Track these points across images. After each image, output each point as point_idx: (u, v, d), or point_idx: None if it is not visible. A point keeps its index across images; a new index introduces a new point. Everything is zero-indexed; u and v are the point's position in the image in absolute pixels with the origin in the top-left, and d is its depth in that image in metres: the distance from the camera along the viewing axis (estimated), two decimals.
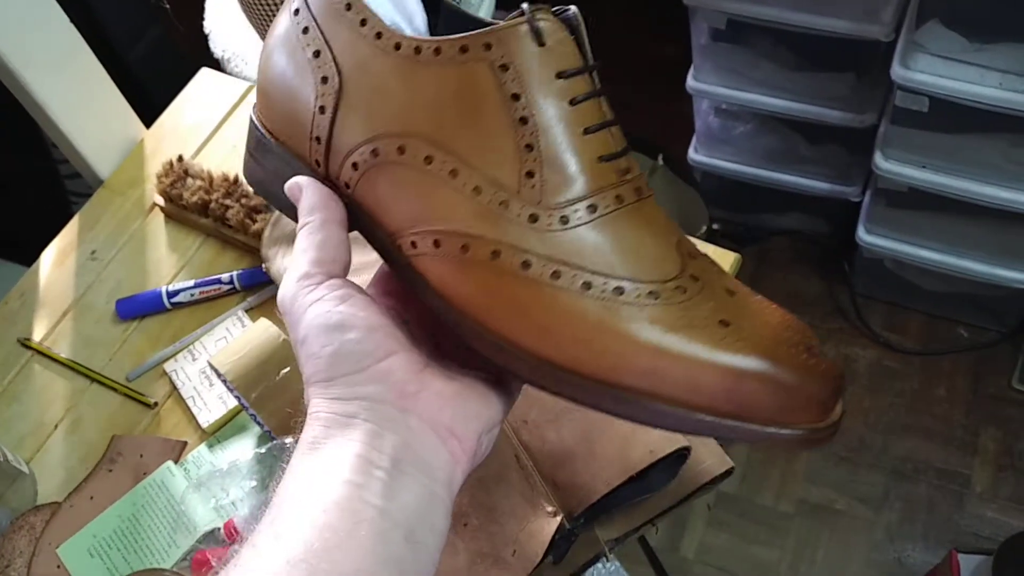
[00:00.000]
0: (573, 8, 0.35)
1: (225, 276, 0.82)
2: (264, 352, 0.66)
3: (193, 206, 0.85)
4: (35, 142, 1.25)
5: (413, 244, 0.36)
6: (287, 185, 0.39)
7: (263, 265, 0.80)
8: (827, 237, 1.60)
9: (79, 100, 0.88)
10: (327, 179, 0.39)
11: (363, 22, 0.37)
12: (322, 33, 0.38)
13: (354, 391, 0.33)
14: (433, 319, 0.37)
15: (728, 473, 0.67)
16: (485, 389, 0.36)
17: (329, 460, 0.32)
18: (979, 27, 1.05)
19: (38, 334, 0.83)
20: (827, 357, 0.33)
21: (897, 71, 1.10)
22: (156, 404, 0.77)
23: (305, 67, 0.38)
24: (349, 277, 0.37)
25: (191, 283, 0.82)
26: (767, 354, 0.31)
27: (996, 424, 1.47)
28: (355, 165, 0.37)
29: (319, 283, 0.35)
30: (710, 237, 1.40)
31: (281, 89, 0.39)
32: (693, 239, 0.37)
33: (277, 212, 0.81)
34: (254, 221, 0.82)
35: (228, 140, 0.94)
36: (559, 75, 0.34)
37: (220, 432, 0.74)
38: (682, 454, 0.64)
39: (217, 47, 1.14)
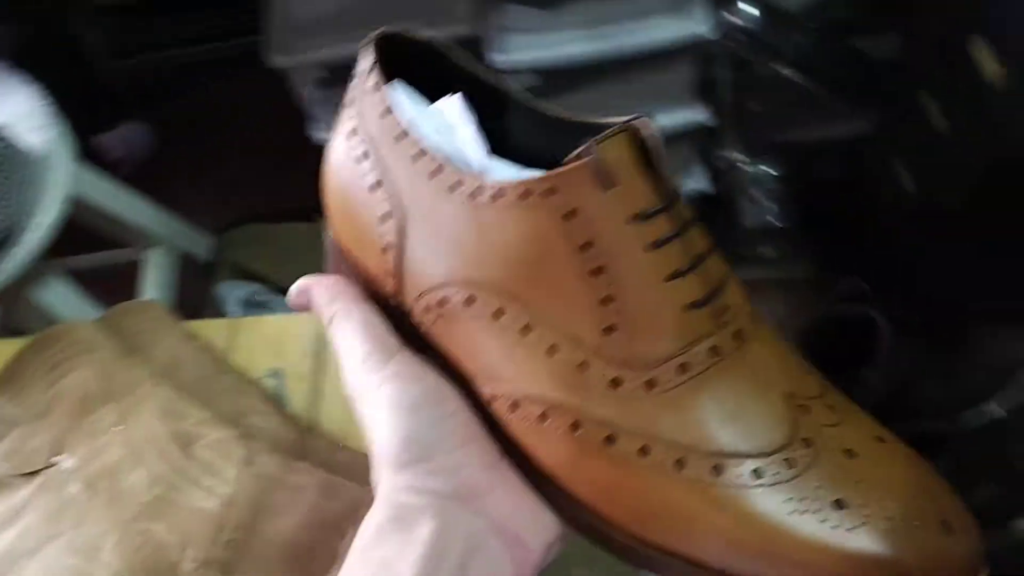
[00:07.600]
0: (647, 123, 0.29)
1: None
2: None
3: None
4: None
5: (492, 398, 0.33)
6: (293, 297, 0.37)
7: None
8: None
9: None
10: (401, 309, 0.35)
11: (421, 153, 0.33)
12: (381, 160, 0.34)
13: (423, 483, 0.31)
14: None
15: None
16: None
17: (393, 557, 0.30)
18: None
19: None
20: (966, 523, 0.29)
21: (497, 59, 1.09)
22: None
23: (367, 199, 0.34)
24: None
25: None
26: (889, 537, 0.28)
27: None
28: (428, 308, 0.34)
29: (387, 360, 0.33)
30: None
31: (350, 217, 0.36)
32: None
33: None
34: None
35: None
36: (634, 218, 0.29)
37: None
38: None
39: None
